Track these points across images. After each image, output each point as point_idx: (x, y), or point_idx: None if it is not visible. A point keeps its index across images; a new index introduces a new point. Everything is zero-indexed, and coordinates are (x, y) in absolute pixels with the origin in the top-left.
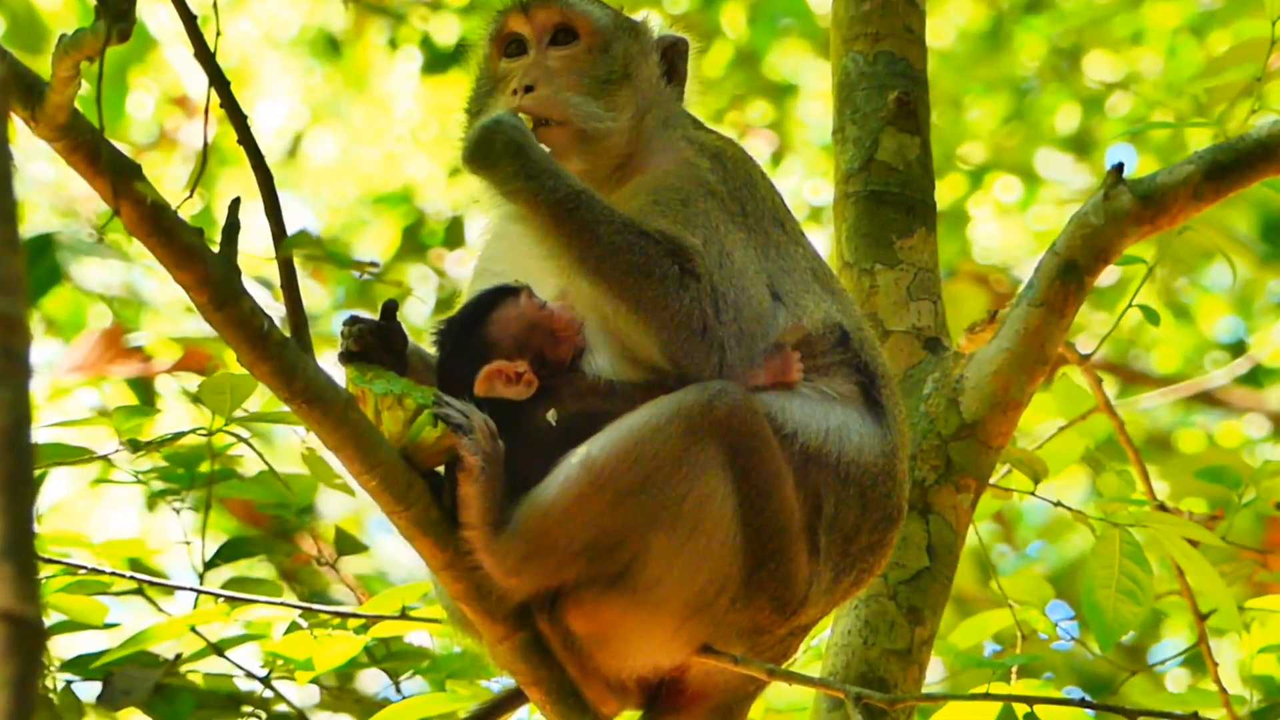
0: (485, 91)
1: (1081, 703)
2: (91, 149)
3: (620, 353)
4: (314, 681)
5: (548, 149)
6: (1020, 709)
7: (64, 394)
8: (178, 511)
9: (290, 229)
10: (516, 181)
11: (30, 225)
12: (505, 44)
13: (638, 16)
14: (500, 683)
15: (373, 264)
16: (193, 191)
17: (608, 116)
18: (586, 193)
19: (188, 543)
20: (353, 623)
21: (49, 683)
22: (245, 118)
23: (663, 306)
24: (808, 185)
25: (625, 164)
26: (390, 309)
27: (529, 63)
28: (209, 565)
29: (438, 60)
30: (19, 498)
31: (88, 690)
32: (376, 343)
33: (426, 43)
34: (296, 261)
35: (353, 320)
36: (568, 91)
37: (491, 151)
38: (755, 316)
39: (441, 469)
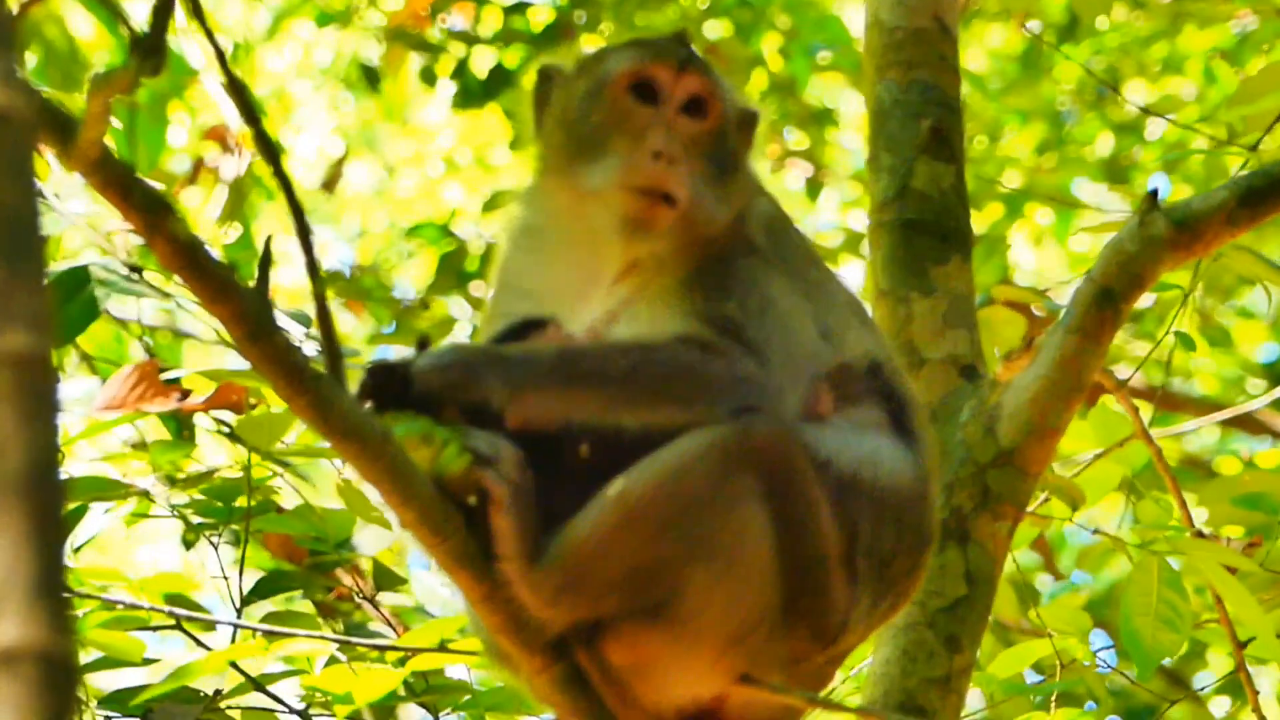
0: (603, 121)
1: None
2: (124, 185)
3: None
4: (353, 715)
5: (647, 227)
6: None
7: (100, 430)
8: (215, 546)
9: (325, 261)
10: (513, 379)
11: (68, 260)
12: (636, 84)
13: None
14: (539, 715)
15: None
16: (226, 226)
17: (719, 211)
18: (569, 345)
19: (225, 577)
20: (391, 656)
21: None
22: (277, 151)
23: (705, 389)
24: (850, 215)
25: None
26: (424, 344)
27: (666, 124)
28: (247, 600)
29: (471, 93)
30: (48, 535)
31: None
32: (392, 390)
33: (460, 74)
34: (330, 294)
35: (365, 375)
36: (697, 175)
37: (471, 378)
38: (807, 354)
39: (474, 500)
